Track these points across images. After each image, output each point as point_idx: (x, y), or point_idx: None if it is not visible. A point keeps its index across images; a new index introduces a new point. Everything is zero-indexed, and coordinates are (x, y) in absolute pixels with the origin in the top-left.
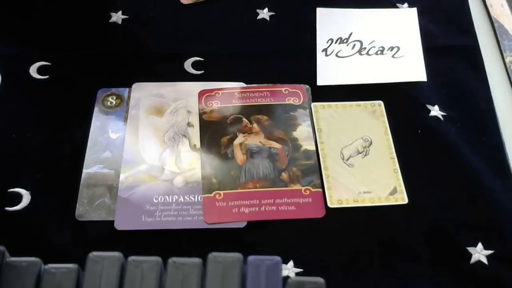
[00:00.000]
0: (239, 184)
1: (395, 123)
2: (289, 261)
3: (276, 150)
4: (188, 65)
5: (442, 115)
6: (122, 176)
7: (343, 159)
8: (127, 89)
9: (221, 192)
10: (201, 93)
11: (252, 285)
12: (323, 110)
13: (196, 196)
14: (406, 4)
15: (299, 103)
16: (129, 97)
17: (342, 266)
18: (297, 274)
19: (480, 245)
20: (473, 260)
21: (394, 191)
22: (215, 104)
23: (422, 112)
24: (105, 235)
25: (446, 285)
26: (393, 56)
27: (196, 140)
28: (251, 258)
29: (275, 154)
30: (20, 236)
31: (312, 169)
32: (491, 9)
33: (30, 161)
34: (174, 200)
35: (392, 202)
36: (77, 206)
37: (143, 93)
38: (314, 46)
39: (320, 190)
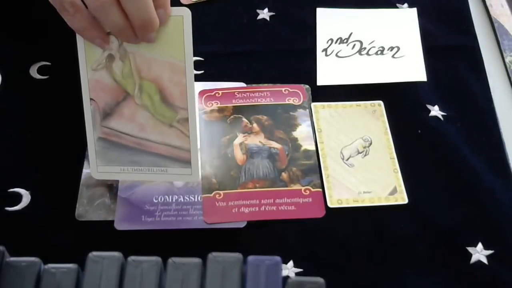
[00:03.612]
0: (239, 184)
1: (395, 123)
2: (289, 261)
3: (276, 150)
4: None
5: (442, 115)
6: None
7: (343, 159)
8: None
9: (221, 192)
10: (201, 93)
11: (252, 285)
12: (323, 110)
13: (196, 196)
14: (406, 4)
15: (299, 103)
16: None
17: (342, 266)
18: (297, 274)
19: (480, 245)
20: (473, 260)
21: (394, 191)
22: (215, 104)
23: (422, 112)
24: (105, 235)
25: (446, 285)
26: (393, 56)
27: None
28: (251, 258)
29: (275, 154)
30: (20, 236)
31: (312, 169)
32: (491, 9)
33: (30, 161)
34: (174, 200)
35: (392, 202)
36: (77, 206)
37: None
38: (314, 46)
39: (320, 190)
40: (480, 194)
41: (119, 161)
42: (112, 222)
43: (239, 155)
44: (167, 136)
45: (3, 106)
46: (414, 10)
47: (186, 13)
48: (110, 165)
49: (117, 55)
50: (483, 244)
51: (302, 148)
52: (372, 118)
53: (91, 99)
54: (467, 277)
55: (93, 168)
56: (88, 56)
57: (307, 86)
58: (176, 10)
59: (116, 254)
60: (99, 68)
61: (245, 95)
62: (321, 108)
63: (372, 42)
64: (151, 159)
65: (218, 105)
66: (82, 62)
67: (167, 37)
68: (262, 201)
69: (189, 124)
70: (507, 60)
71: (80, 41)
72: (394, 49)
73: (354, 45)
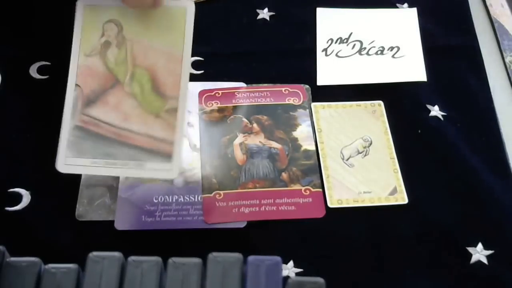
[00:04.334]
0: (239, 184)
1: (395, 123)
2: (289, 261)
3: (276, 150)
4: None
5: (442, 115)
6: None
7: (343, 159)
8: None
9: (221, 192)
10: (201, 93)
11: (252, 285)
12: (323, 110)
13: (196, 196)
14: (406, 4)
15: (299, 103)
16: None
17: (342, 266)
18: (297, 274)
19: (480, 245)
20: (473, 260)
21: (394, 191)
22: (215, 104)
23: (422, 112)
24: (105, 235)
25: (446, 286)
26: (393, 56)
27: (196, 140)
28: (251, 258)
29: (275, 154)
30: (20, 236)
31: (312, 169)
32: (491, 9)
33: (30, 161)
34: (174, 200)
35: (392, 202)
36: (77, 206)
37: None
38: (314, 46)
39: (320, 190)
40: (480, 194)
41: (91, 153)
42: (112, 222)
43: (239, 155)
44: (152, 127)
45: (3, 106)
46: (414, 10)
47: (190, 6)
48: (80, 157)
49: (114, 42)
50: (483, 244)
51: (302, 148)
52: (372, 118)
53: (76, 84)
54: (467, 277)
55: (60, 160)
56: (83, 42)
57: (307, 86)
58: (180, 2)
59: (116, 254)
60: (92, 54)
61: (245, 95)
62: (321, 108)
63: (372, 42)
64: (129, 152)
65: (218, 105)
66: (76, 47)
67: (168, 27)
68: (262, 201)
69: (178, 115)
70: (507, 60)
71: (77, 27)
72: (394, 49)
73: (354, 45)
